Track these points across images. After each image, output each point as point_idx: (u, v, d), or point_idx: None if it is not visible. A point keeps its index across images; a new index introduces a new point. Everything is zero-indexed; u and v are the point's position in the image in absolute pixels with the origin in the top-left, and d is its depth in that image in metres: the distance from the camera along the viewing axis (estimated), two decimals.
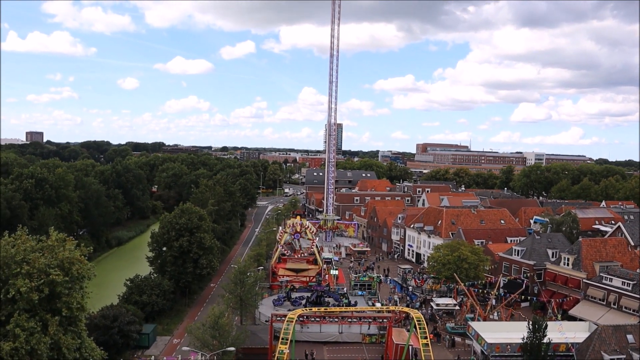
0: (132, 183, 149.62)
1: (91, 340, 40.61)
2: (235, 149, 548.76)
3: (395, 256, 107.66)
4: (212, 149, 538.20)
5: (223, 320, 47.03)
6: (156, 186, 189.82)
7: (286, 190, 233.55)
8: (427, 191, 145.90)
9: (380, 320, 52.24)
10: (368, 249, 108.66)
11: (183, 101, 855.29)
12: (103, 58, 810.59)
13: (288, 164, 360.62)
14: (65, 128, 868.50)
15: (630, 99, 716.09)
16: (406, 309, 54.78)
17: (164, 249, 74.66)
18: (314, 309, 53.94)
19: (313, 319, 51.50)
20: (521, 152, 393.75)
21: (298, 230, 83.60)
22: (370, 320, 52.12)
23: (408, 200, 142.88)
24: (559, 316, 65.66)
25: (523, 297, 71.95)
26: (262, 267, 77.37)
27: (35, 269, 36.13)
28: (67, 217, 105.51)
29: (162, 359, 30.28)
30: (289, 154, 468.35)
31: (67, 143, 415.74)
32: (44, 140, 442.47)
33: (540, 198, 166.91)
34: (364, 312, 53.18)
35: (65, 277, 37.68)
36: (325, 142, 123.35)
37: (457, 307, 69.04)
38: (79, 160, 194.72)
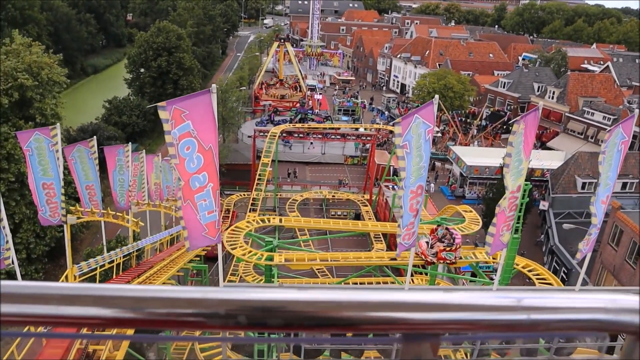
0: (104, 8, 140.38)
1: None
2: None
3: (381, 86, 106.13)
4: None
5: None
6: (131, 14, 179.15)
7: (266, 21, 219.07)
8: (416, 23, 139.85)
9: (364, 138, 52.18)
10: (353, 78, 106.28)
11: None
12: None
13: None
14: None
15: None
16: (390, 127, 54.59)
17: (142, 70, 71.83)
18: (298, 125, 53.42)
19: (296, 135, 51.09)
20: None
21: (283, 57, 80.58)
22: (354, 137, 51.99)
23: (396, 32, 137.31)
24: (537, 146, 66.79)
25: (504, 127, 72.58)
26: (244, 88, 75.41)
27: (2, 72, 34.29)
28: (36, 40, 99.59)
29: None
30: None
31: None
32: None
33: (531, 37, 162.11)
34: (348, 129, 52.80)
35: (35, 81, 36.01)
36: None
37: (439, 135, 69.42)
38: None
